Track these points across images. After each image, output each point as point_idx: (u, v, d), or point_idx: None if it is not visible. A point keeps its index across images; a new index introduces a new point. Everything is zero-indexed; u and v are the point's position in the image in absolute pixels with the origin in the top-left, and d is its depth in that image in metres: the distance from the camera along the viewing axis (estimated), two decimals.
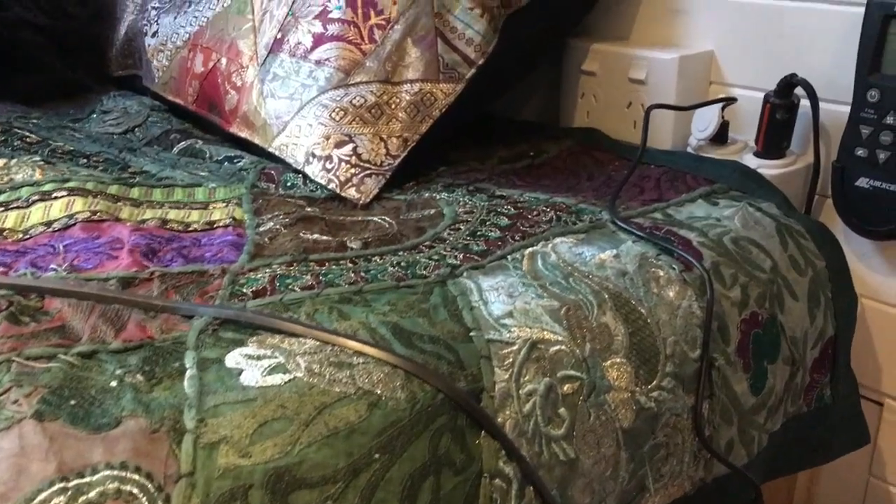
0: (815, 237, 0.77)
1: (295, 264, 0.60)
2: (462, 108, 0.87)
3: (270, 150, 0.85)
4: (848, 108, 0.81)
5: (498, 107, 1.11)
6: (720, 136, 0.90)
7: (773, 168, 0.86)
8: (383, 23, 0.83)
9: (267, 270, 0.59)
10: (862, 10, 0.77)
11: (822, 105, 0.86)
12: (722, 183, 0.82)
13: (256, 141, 0.87)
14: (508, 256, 0.63)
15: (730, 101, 0.87)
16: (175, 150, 0.89)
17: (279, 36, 0.88)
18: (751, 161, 0.87)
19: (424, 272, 0.60)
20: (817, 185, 0.87)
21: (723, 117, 0.89)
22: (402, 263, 0.61)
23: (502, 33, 0.87)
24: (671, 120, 0.94)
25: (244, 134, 0.89)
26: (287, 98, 0.84)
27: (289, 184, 0.81)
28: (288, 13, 0.88)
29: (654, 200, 0.78)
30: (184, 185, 0.78)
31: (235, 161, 0.85)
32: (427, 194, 0.78)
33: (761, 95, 0.90)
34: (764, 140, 0.86)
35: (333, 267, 0.60)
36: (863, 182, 0.80)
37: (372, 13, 0.84)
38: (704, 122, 0.90)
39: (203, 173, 0.82)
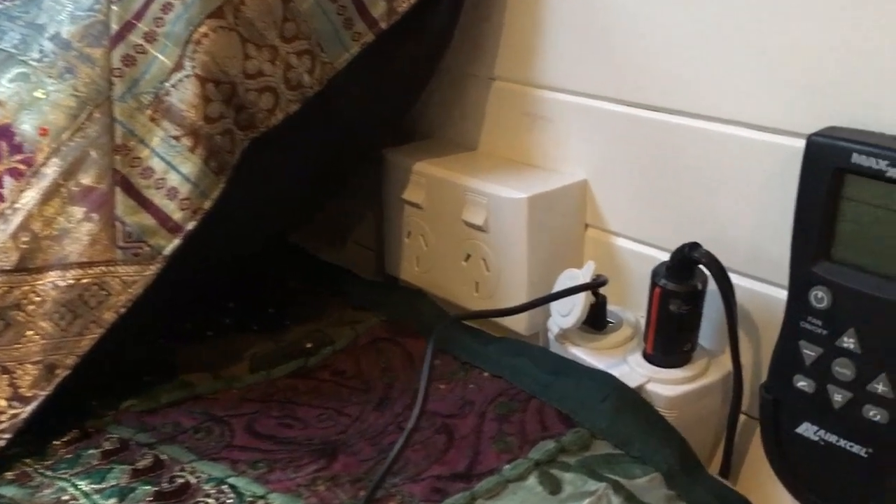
0: None
1: None
2: (175, 287, 0.55)
3: None
4: (785, 292, 0.50)
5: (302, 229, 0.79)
6: (595, 317, 0.59)
7: (669, 384, 0.54)
8: (22, 166, 0.51)
9: None
10: (802, 144, 0.47)
11: (743, 283, 0.55)
12: (584, 421, 0.50)
13: None
14: None
15: (596, 285, 0.56)
16: None
17: None
18: (637, 369, 0.55)
19: None
20: (740, 406, 0.56)
21: (597, 295, 0.58)
22: None
23: (243, 169, 0.54)
24: (525, 284, 0.62)
25: None
26: None
27: None
28: None
29: (455, 477, 0.46)
30: None
31: None
32: (64, 489, 0.45)
33: (655, 253, 0.59)
34: (654, 340, 0.54)
35: None
36: (808, 430, 0.49)
37: (3, 149, 0.52)
38: (567, 303, 0.58)
39: None
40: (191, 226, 0.52)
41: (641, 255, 0.61)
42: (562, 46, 0.62)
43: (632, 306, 0.62)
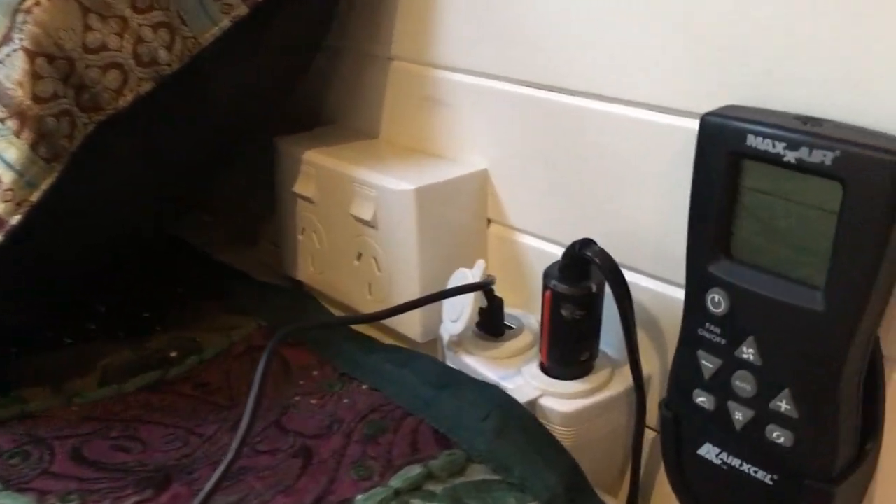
0: None
1: None
2: (9, 288, 0.49)
3: None
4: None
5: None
6: (490, 323, 0.53)
7: (564, 398, 0.48)
8: None
9: None
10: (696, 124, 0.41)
11: (649, 285, 0.49)
12: (462, 443, 0.44)
13: None
14: None
15: (483, 286, 0.49)
16: None
17: None
18: (531, 381, 0.49)
19: None
20: (644, 423, 0.50)
21: (491, 297, 0.52)
22: None
23: (87, 155, 0.48)
24: (417, 285, 0.56)
25: None
26: None
27: None
28: None
29: None
30: None
31: None
32: None
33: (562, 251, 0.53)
34: (548, 349, 0.49)
35: None
36: (710, 452, 0.43)
37: None
38: (456, 306, 0.52)
39: None
40: (15, 220, 0.45)
41: (548, 253, 0.55)
42: (458, 23, 0.55)
43: (538, 310, 0.56)
